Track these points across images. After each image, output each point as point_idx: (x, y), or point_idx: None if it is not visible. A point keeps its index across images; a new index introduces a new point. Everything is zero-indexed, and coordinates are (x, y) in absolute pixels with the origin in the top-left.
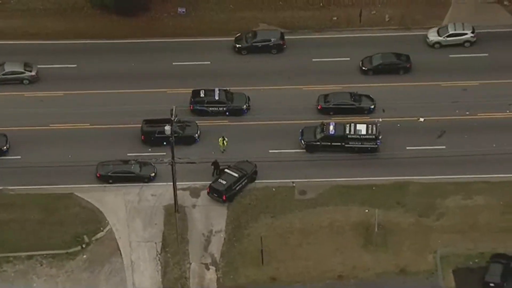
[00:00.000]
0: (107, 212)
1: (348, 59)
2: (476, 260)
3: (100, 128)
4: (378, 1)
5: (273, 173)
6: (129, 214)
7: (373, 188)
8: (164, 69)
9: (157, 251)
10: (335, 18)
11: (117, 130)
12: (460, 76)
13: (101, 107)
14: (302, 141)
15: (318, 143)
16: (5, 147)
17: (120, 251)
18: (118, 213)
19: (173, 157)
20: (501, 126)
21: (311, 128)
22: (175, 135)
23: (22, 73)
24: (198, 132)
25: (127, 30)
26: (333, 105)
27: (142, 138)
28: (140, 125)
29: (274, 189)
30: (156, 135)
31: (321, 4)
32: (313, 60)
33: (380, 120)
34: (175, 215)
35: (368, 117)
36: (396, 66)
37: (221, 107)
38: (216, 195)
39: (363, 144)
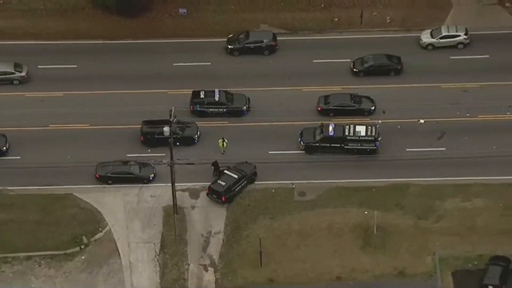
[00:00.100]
0: (106, 213)
1: (349, 60)
2: (475, 263)
3: (100, 129)
4: (379, 2)
5: (272, 174)
6: (128, 215)
7: (373, 190)
8: (164, 69)
9: (155, 252)
10: (336, 20)
11: (117, 131)
12: (461, 77)
13: (101, 108)
14: (302, 142)
15: (317, 144)
16: (4, 148)
17: (118, 252)
18: (117, 214)
19: (171, 158)
20: (501, 128)
21: (311, 129)
22: (175, 136)
23: (12, 73)
24: (198, 133)
25: (128, 30)
26: (333, 106)
27: (142, 139)
28: (139, 126)
29: (273, 191)
30: (155, 136)
31: (322, 6)
32: (314, 61)
33: (380, 121)
34: (174, 216)
35: (368, 119)
36: (386, 67)
37: (221, 108)
38: (215, 196)
39: (362, 146)
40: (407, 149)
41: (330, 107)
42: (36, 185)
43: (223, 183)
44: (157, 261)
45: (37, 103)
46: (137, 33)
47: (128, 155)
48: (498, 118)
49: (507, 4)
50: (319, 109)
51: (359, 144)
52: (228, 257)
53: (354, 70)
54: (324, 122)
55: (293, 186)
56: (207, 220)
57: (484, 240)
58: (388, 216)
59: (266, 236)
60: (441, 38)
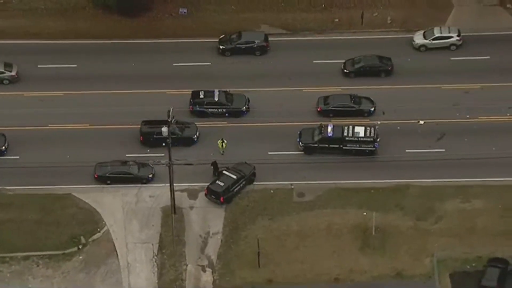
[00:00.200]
0: (104, 213)
1: None
2: (473, 264)
3: (99, 129)
4: (380, 3)
5: (271, 175)
6: (126, 215)
7: (372, 191)
8: (164, 69)
9: (153, 253)
10: (337, 20)
11: (116, 131)
12: (461, 78)
13: (101, 108)
14: (300, 143)
15: (316, 145)
16: (3, 147)
17: (116, 252)
18: (116, 214)
19: (170, 159)
20: (501, 129)
21: (309, 130)
22: (174, 136)
23: (2, 73)
24: (197, 133)
25: (128, 30)
26: (333, 107)
27: (141, 139)
28: (139, 126)
29: (272, 191)
30: (154, 136)
31: (323, 6)
32: (314, 61)
33: (379, 122)
34: (171, 216)
35: (368, 120)
36: (377, 69)
37: (220, 108)
38: (214, 197)
39: (361, 147)
40: (407, 150)
41: (330, 108)
42: (35, 185)
43: (222, 184)
44: (155, 261)
45: (37, 102)
46: (138, 33)
47: (127, 155)
48: (498, 119)
49: (508, 5)
50: (318, 109)
51: (357, 145)
52: (226, 257)
53: (345, 71)
54: (323, 123)
55: (292, 186)
56: (206, 221)
57: (483, 242)
58: (387, 217)
59: (264, 237)
60: (433, 39)
